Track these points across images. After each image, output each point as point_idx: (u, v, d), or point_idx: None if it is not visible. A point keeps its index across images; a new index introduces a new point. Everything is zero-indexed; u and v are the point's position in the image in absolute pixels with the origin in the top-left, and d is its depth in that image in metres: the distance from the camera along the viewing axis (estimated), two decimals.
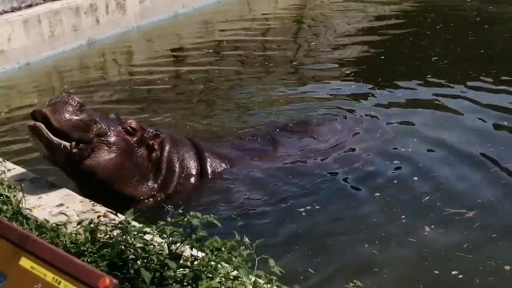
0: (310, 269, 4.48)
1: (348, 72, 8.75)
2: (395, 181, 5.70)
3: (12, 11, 10.14)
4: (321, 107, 7.43)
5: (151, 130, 5.45)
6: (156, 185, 5.39)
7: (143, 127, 5.42)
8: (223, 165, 5.77)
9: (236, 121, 7.26)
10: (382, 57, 9.31)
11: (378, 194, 5.50)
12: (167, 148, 5.49)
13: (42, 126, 4.71)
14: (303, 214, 5.24)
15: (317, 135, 6.47)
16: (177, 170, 5.49)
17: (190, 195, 5.50)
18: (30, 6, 10.38)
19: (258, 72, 9.22)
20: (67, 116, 4.80)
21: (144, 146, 5.34)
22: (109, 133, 5.10)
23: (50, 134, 4.72)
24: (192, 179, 5.59)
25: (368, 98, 7.68)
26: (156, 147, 5.39)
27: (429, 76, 8.20)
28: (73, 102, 4.87)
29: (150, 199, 5.35)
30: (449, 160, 6.03)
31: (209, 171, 5.66)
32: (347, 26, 11.16)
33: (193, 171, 5.60)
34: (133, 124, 5.29)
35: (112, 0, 11.20)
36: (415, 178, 5.72)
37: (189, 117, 7.54)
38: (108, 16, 11.14)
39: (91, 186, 5.09)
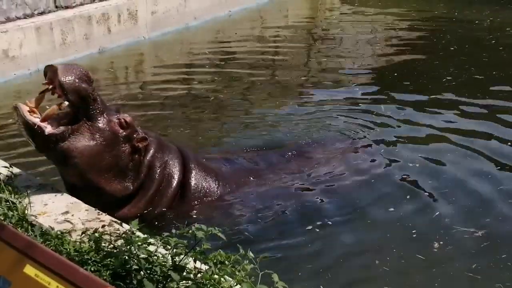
0: (316, 286, 4.46)
1: (358, 88, 8.75)
2: (408, 197, 5.70)
3: (24, 18, 10.19)
4: (325, 126, 7.40)
5: (141, 132, 5.26)
6: (132, 187, 5.20)
7: (135, 128, 5.24)
8: (208, 177, 5.58)
9: (241, 137, 7.25)
10: (395, 74, 9.30)
11: (392, 209, 5.50)
12: (151, 152, 5.30)
13: (21, 105, 4.74)
14: (305, 232, 5.20)
15: (316, 157, 6.37)
16: (157, 177, 5.30)
17: (167, 203, 5.34)
18: (42, 13, 10.43)
19: (266, 85, 9.23)
20: (74, 77, 4.78)
21: (129, 144, 5.15)
22: (99, 118, 4.98)
23: (27, 114, 4.71)
24: (172, 188, 5.39)
25: (376, 114, 7.67)
26: (140, 148, 5.20)
27: (440, 95, 8.21)
28: (84, 71, 4.87)
29: (123, 201, 5.16)
30: (459, 178, 6.03)
31: (192, 182, 5.48)
32: (357, 41, 11.18)
33: (174, 180, 5.41)
34: (128, 119, 5.13)
35: (124, 10, 11.26)
36: (425, 194, 5.72)
37: (194, 130, 7.54)
38: (119, 25, 11.19)
39: (67, 172, 4.99)
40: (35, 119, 4.76)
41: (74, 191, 4.97)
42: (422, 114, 7.65)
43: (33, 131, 4.74)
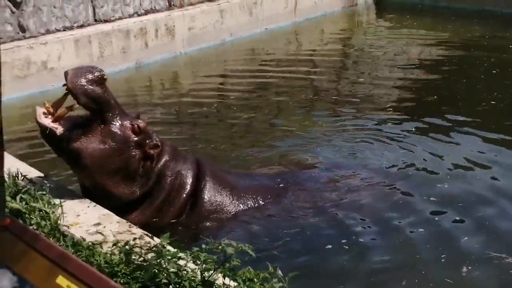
0: None
1: (392, 111, 8.69)
2: (436, 218, 5.63)
3: (64, 30, 10.36)
4: (355, 150, 7.31)
5: (155, 140, 5.25)
6: (139, 193, 5.19)
7: (150, 134, 5.24)
8: (223, 191, 5.51)
9: (270, 155, 7.23)
10: (435, 97, 9.22)
11: (421, 230, 5.43)
12: (163, 160, 5.27)
13: (38, 108, 4.92)
14: (328, 251, 5.16)
15: (340, 179, 6.24)
16: (166, 186, 5.28)
17: (175, 214, 5.31)
18: (82, 26, 10.60)
19: (299, 103, 9.23)
20: (84, 81, 4.86)
21: (140, 150, 5.14)
22: (113, 121, 5.04)
23: (40, 116, 4.88)
24: (181, 199, 5.35)
25: (409, 137, 7.61)
26: (152, 155, 5.19)
27: (482, 119, 8.10)
28: (95, 73, 4.93)
29: (130, 206, 5.16)
30: (491, 201, 5.94)
31: (205, 195, 5.41)
32: (393, 62, 11.14)
33: (184, 191, 5.37)
34: (142, 125, 5.15)
35: (162, 25, 11.39)
36: (455, 218, 5.64)
37: (226, 145, 7.57)
38: (157, 40, 11.32)
39: (79, 174, 5.08)
40: (47, 120, 4.90)
41: (88, 195, 5.06)
42: (460, 138, 7.56)
43: (45, 132, 4.89)
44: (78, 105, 4.96)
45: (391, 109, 8.78)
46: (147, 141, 5.18)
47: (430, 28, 13.53)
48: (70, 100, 5.02)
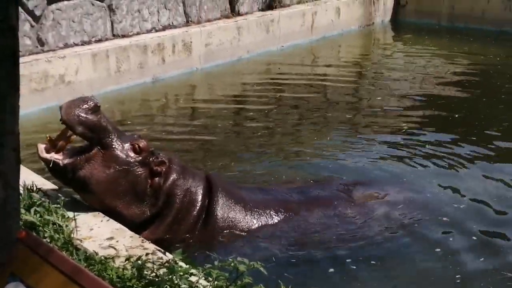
0: None
1: (408, 130, 8.68)
2: (451, 239, 5.61)
3: (82, 44, 10.46)
4: (371, 168, 7.33)
5: (161, 157, 5.30)
6: (148, 213, 5.23)
7: (152, 151, 5.31)
8: (235, 207, 5.51)
9: (286, 171, 7.24)
10: (454, 116, 9.21)
11: (438, 250, 5.42)
12: (171, 179, 5.30)
13: (39, 145, 5.04)
14: (343, 270, 5.14)
15: (356, 197, 6.19)
16: (176, 205, 5.30)
17: (187, 231, 5.32)
18: (99, 41, 10.69)
19: (315, 121, 9.25)
20: (77, 111, 4.96)
21: (147, 168, 5.20)
22: (112, 145, 5.11)
23: (42, 152, 5.00)
24: (192, 216, 5.36)
25: (426, 158, 7.59)
26: (160, 172, 5.24)
27: (500, 139, 8.09)
28: (89, 102, 5.04)
29: (141, 227, 5.18)
30: (508, 223, 5.92)
31: (217, 211, 5.40)
32: (409, 82, 11.13)
33: (195, 209, 5.38)
34: (141, 144, 5.20)
35: (179, 42, 11.46)
36: (473, 238, 5.61)
37: (241, 161, 7.58)
38: (173, 56, 11.38)
39: (87, 199, 5.12)
40: (49, 154, 5.02)
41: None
42: (478, 157, 7.56)
43: (49, 166, 5.00)
44: (75, 136, 5.08)
45: (405, 128, 8.76)
46: (151, 158, 5.24)
47: (447, 48, 13.51)
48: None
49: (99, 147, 5.09)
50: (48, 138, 5.11)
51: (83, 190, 5.10)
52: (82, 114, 4.98)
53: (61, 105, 5.03)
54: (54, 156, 5.01)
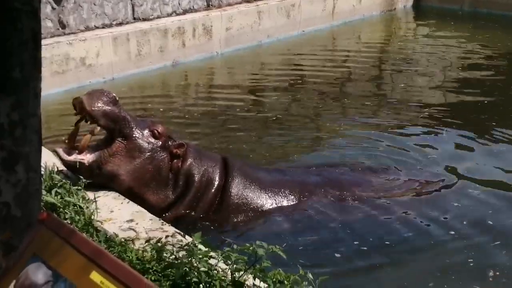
0: None
1: (428, 117, 8.61)
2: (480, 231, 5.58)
3: (103, 28, 10.47)
4: (392, 153, 7.29)
5: (177, 140, 5.47)
6: (172, 197, 5.38)
7: (170, 136, 5.47)
8: (251, 186, 5.61)
9: (305, 156, 7.26)
10: (483, 101, 9.11)
11: (465, 243, 5.38)
12: (189, 160, 5.45)
13: (57, 149, 5.13)
14: (360, 253, 5.13)
15: (375, 180, 6.23)
16: (195, 184, 5.42)
17: (205, 209, 5.43)
18: (120, 24, 10.70)
19: (334, 107, 9.23)
20: (100, 103, 5.08)
21: (167, 153, 5.35)
22: (133, 135, 5.23)
23: (64, 155, 5.09)
24: (210, 195, 5.48)
25: (448, 143, 7.54)
26: (179, 155, 5.37)
27: None
28: (108, 94, 5.17)
29: (165, 210, 5.33)
30: None
31: (232, 189, 5.52)
32: (430, 69, 11.03)
33: (212, 187, 5.50)
34: (160, 128, 5.36)
35: (199, 25, 11.44)
36: (492, 245, 5.47)
37: (260, 146, 7.60)
38: (194, 40, 11.37)
39: (118, 190, 5.20)
40: (73, 156, 5.11)
41: None
42: (501, 147, 7.47)
43: (75, 168, 5.09)
44: (98, 128, 5.18)
45: (426, 116, 8.69)
46: (170, 142, 5.39)
47: (470, 34, 13.34)
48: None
49: (120, 139, 5.20)
50: (65, 140, 5.19)
51: (113, 183, 5.19)
52: (105, 106, 5.10)
53: (78, 99, 5.09)
54: (78, 157, 5.10)
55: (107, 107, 5.11)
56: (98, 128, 5.17)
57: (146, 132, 5.31)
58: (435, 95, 9.69)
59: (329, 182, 5.99)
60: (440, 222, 5.66)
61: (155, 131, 5.32)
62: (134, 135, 5.24)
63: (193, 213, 5.40)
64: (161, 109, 8.98)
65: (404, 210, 5.79)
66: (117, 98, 5.24)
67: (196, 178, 5.44)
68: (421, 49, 12.42)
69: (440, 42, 12.87)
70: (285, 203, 5.66)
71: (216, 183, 5.51)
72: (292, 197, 5.72)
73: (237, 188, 5.55)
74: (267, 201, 5.63)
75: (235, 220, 5.47)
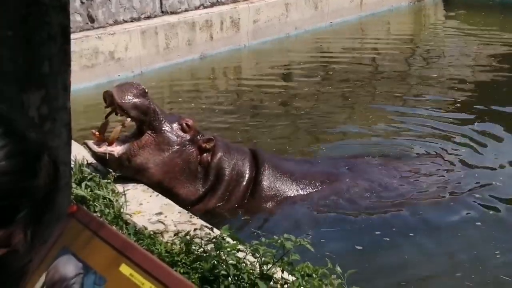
0: None
1: (457, 110, 8.49)
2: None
3: (131, 21, 10.52)
4: (421, 144, 7.22)
5: (205, 135, 5.52)
6: (202, 190, 5.41)
7: (198, 130, 5.52)
8: (281, 177, 5.65)
9: (334, 148, 7.21)
10: (506, 98, 8.97)
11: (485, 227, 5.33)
12: (218, 155, 5.47)
13: (87, 142, 5.17)
14: (385, 245, 5.09)
15: (402, 169, 6.22)
16: (226, 178, 5.46)
17: (237, 201, 5.48)
18: (148, 17, 10.75)
19: (363, 99, 9.16)
20: (130, 95, 5.13)
21: (195, 146, 5.37)
22: (163, 128, 5.27)
23: (95, 147, 5.12)
24: (241, 187, 5.52)
25: (476, 136, 7.44)
26: (208, 149, 5.40)
27: None
28: (137, 87, 5.23)
29: (195, 203, 5.36)
30: None
31: (263, 182, 5.56)
32: (459, 60, 10.90)
33: (244, 180, 5.54)
34: (190, 122, 5.40)
35: (227, 18, 11.45)
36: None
37: (287, 139, 7.58)
38: (221, 33, 11.38)
39: (147, 183, 5.23)
40: (103, 148, 5.15)
41: None
42: None
43: (105, 159, 5.14)
44: (128, 120, 5.22)
45: (455, 109, 8.58)
46: (198, 136, 5.42)
47: (501, 25, 13.16)
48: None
49: (149, 132, 5.23)
50: (95, 133, 5.22)
51: (142, 176, 5.23)
52: (135, 99, 5.14)
53: (110, 92, 5.14)
54: (108, 149, 5.15)
55: (137, 99, 5.15)
56: (128, 120, 5.20)
57: (175, 125, 5.35)
58: (466, 87, 9.56)
59: (358, 173, 5.98)
60: (468, 219, 5.59)
61: (184, 125, 5.36)
62: (163, 128, 5.28)
63: (225, 206, 5.45)
64: (190, 102, 9.01)
65: (433, 203, 5.74)
66: (146, 91, 5.26)
67: (227, 171, 5.47)
68: (450, 41, 12.27)
69: (470, 32, 12.69)
70: (315, 194, 5.68)
71: (247, 175, 5.56)
72: (322, 188, 5.73)
73: (268, 180, 5.59)
74: (298, 192, 5.65)
75: (268, 211, 5.50)
